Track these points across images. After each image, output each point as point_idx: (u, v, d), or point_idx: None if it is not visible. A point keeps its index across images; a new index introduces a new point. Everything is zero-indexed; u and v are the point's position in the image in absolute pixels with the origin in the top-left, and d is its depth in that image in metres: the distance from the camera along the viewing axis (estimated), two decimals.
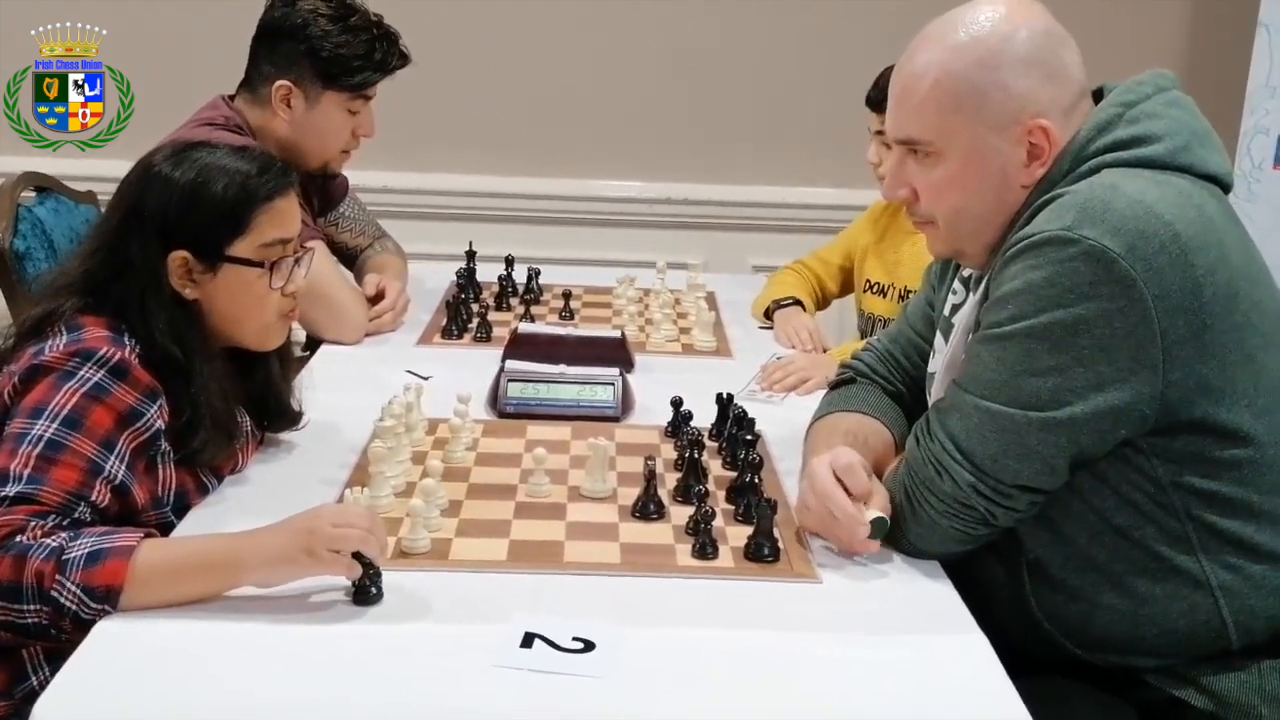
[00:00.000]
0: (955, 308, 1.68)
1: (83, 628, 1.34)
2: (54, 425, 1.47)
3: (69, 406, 1.49)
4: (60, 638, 1.37)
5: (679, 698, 1.26)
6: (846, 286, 2.69)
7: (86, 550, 1.35)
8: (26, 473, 1.43)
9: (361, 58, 2.37)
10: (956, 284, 1.71)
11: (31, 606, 1.34)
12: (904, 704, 1.27)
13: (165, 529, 1.57)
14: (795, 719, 1.25)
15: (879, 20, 3.43)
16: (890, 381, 1.83)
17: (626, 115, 3.59)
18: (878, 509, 1.51)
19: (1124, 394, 1.40)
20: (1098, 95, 1.56)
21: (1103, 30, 3.42)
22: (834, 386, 1.87)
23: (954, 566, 1.53)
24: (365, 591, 1.39)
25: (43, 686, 1.28)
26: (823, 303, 2.70)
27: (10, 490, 1.42)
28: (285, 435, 1.85)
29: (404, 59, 2.43)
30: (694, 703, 1.25)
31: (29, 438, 1.46)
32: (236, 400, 1.72)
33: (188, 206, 1.60)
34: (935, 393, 1.65)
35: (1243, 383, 1.43)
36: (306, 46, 2.34)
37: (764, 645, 1.34)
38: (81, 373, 1.52)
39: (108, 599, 1.34)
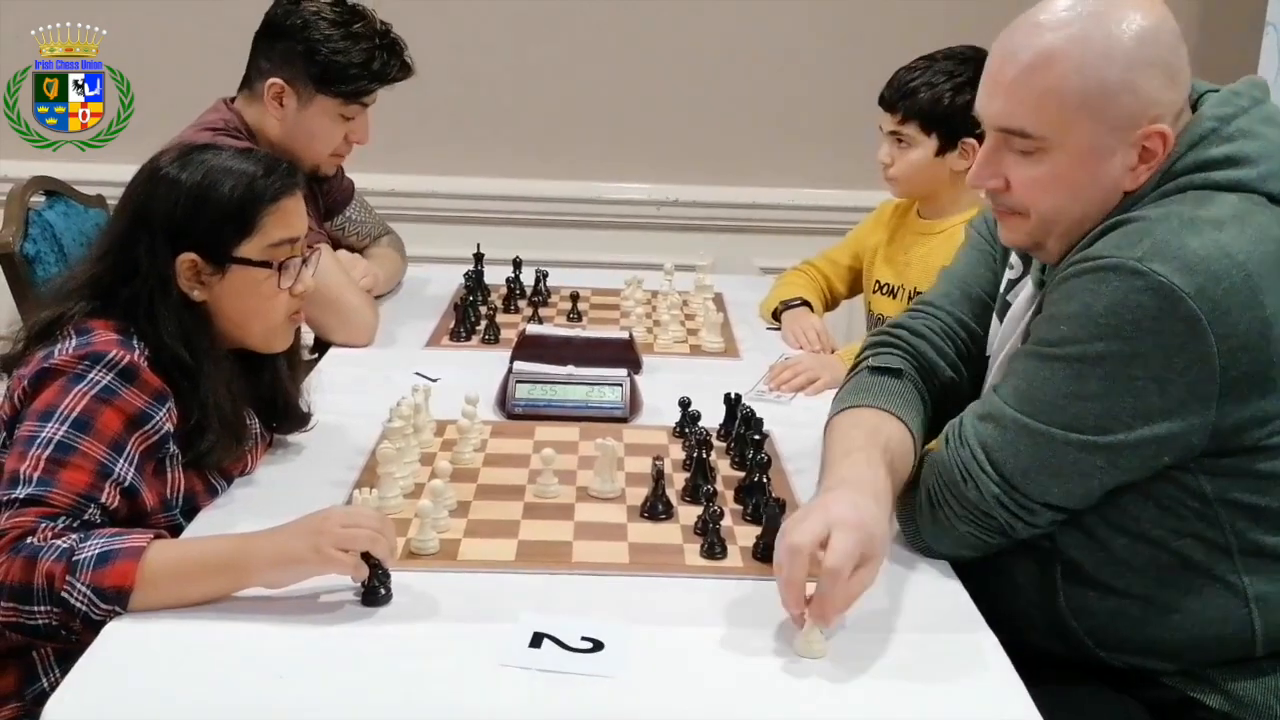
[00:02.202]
0: (1011, 283, 1.63)
1: (93, 628, 1.34)
2: (64, 428, 1.48)
3: (78, 409, 1.50)
4: (71, 639, 1.37)
5: (688, 697, 1.26)
6: (855, 287, 2.69)
7: (96, 551, 1.36)
8: (36, 475, 1.44)
9: (358, 66, 2.33)
10: (1014, 258, 1.64)
11: (42, 608, 1.35)
12: (914, 704, 1.26)
13: (174, 531, 1.57)
14: (804, 719, 1.24)
15: (885, 21, 3.43)
16: (942, 370, 1.71)
17: (633, 118, 3.59)
18: (818, 633, 1.32)
19: (1173, 426, 1.37)
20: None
21: None
22: (874, 367, 1.69)
23: (981, 555, 1.51)
24: (374, 593, 1.39)
25: (53, 688, 1.28)
26: (831, 303, 2.70)
27: (20, 493, 1.42)
28: (294, 437, 1.85)
29: (406, 70, 2.40)
30: (702, 702, 1.25)
31: (39, 440, 1.47)
32: (245, 402, 1.72)
33: (195, 209, 1.61)
34: (992, 378, 1.60)
35: None
36: (304, 48, 2.31)
37: (772, 645, 1.33)
38: (91, 375, 1.52)
39: (118, 600, 1.34)
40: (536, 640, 1.32)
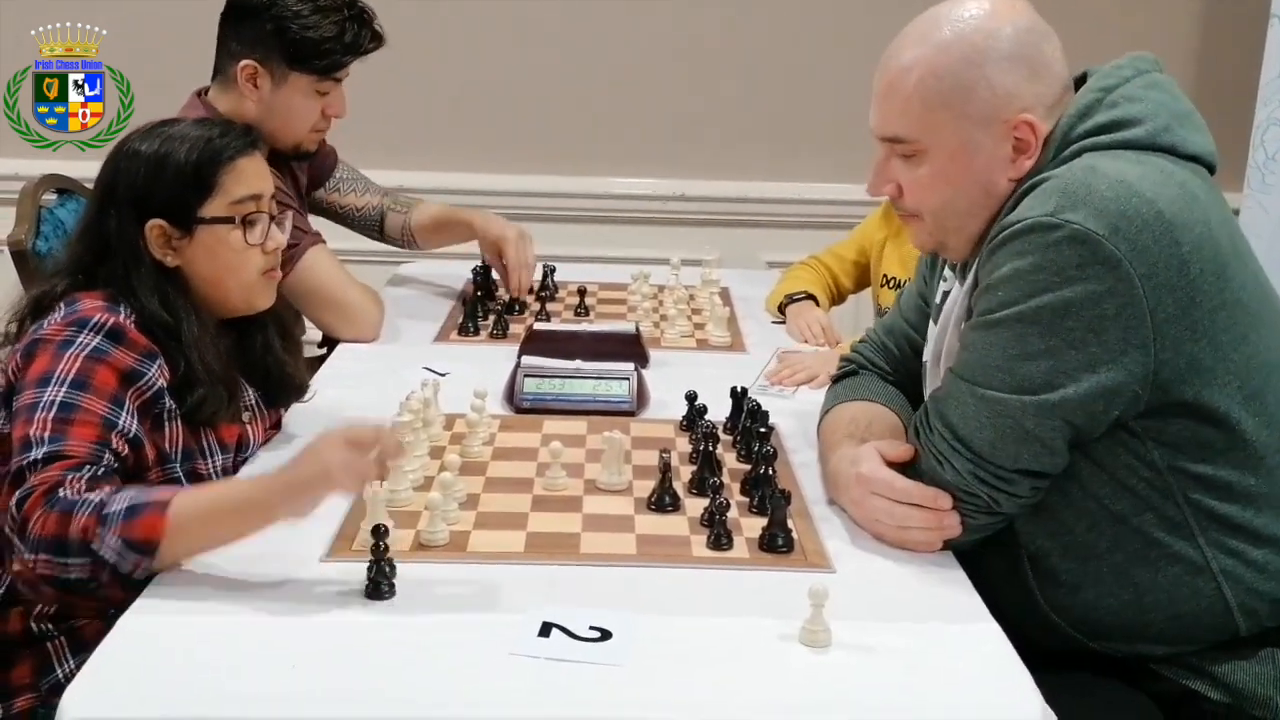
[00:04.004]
0: (945, 294, 1.69)
1: (120, 581, 1.38)
2: (63, 389, 1.51)
3: (74, 371, 1.53)
4: (98, 593, 1.40)
5: (694, 685, 1.27)
6: (861, 281, 2.70)
7: (125, 505, 1.39)
8: (47, 435, 1.48)
9: (331, 40, 2.29)
10: (947, 271, 1.71)
11: (76, 560, 1.38)
12: (919, 692, 1.28)
13: (174, 485, 1.61)
14: (809, 707, 1.26)
15: (891, 16, 3.42)
16: (887, 372, 1.84)
17: (640, 113, 3.60)
18: (824, 623, 1.36)
19: (1116, 374, 1.41)
20: (1081, 81, 1.57)
21: (1115, 24, 3.42)
22: (837, 380, 1.88)
23: (959, 562, 1.53)
24: (377, 588, 1.40)
25: (68, 679, 1.30)
26: (837, 298, 2.71)
27: (37, 453, 1.46)
28: (304, 429, 1.86)
29: (377, 40, 2.36)
30: (709, 690, 1.26)
31: (41, 404, 1.50)
32: (237, 367, 1.75)
33: (155, 175, 1.65)
34: (929, 381, 1.66)
35: (1234, 363, 1.44)
36: (273, 26, 2.27)
37: (778, 635, 1.35)
38: (80, 339, 1.56)
39: (146, 550, 1.38)
40: (545, 630, 1.33)
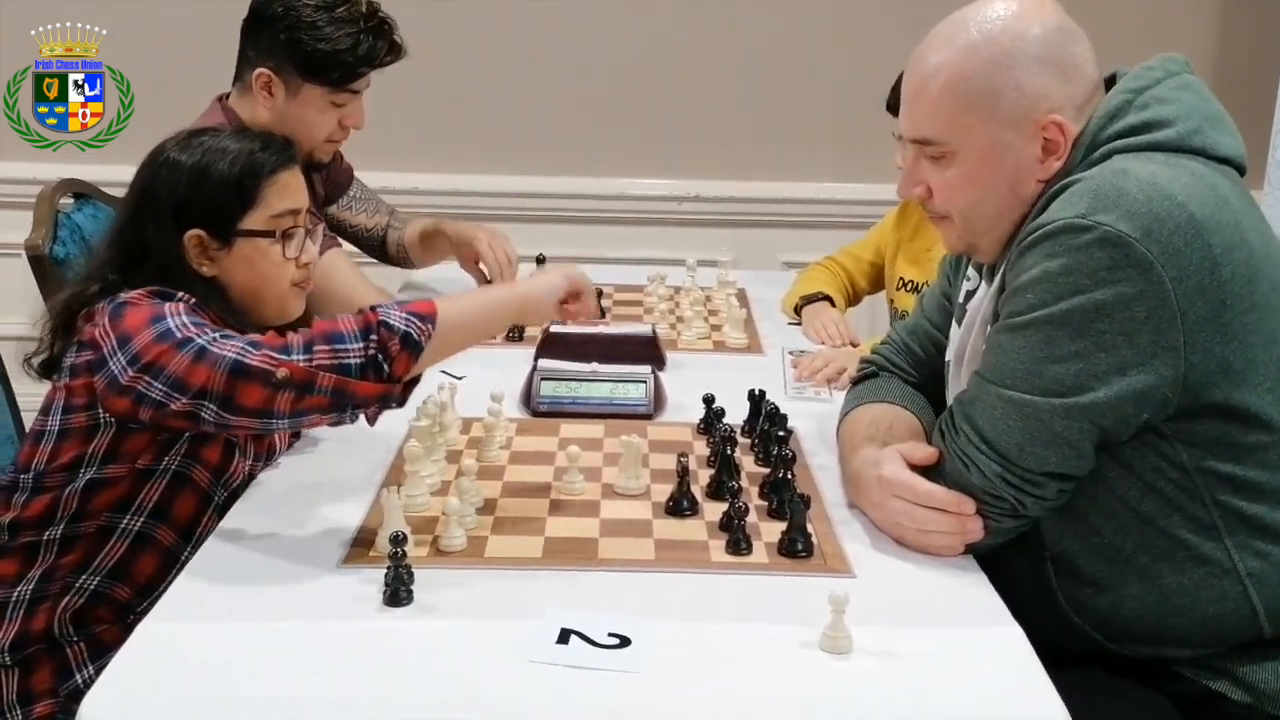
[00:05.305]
0: (969, 294, 1.68)
1: (410, 351, 1.50)
2: (181, 319, 1.54)
3: (181, 312, 1.56)
4: (385, 368, 1.50)
5: (714, 692, 1.26)
6: (878, 283, 2.69)
7: (392, 305, 1.53)
8: (203, 330, 1.53)
9: (344, 52, 2.27)
10: (970, 270, 1.71)
11: (356, 345, 1.48)
12: (939, 696, 1.27)
13: (229, 448, 1.69)
14: (830, 712, 1.25)
15: (905, 15, 3.41)
16: (909, 373, 1.84)
17: (655, 114, 3.60)
18: (845, 628, 1.35)
19: (1146, 377, 1.40)
20: (1110, 81, 1.56)
21: (1133, 21, 3.40)
22: (857, 381, 1.88)
23: (980, 563, 1.53)
24: (395, 594, 1.40)
25: (87, 685, 1.31)
26: (854, 299, 2.70)
27: (211, 334, 1.51)
28: (321, 433, 1.86)
29: (395, 52, 2.34)
30: (729, 696, 1.26)
31: (171, 329, 1.52)
32: None
33: (197, 185, 1.66)
34: (952, 381, 1.65)
35: (1265, 365, 1.43)
36: (287, 37, 2.26)
37: (798, 640, 1.34)
38: (170, 303, 1.58)
39: (428, 318, 1.52)
40: (564, 636, 1.33)
